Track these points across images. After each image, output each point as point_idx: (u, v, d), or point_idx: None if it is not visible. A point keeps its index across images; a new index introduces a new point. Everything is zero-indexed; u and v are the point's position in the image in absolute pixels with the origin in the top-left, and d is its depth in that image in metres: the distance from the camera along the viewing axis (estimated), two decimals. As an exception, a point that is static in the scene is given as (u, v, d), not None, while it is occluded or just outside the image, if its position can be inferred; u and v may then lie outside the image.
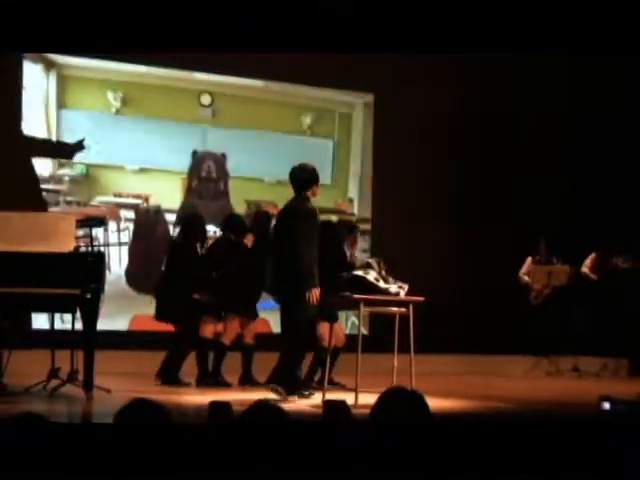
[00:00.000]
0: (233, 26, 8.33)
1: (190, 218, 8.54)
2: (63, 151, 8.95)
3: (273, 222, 7.91)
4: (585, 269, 10.50)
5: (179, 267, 8.05)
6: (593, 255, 10.53)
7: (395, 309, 7.03)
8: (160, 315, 8.10)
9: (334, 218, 10.33)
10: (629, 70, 10.87)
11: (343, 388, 7.54)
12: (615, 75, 11.04)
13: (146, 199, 10.15)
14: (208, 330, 8.00)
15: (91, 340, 6.76)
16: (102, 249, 8.04)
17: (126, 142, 10.08)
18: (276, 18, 8.44)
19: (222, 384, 7.84)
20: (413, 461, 2.93)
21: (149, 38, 8.49)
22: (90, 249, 7.37)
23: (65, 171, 9.79)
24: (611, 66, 10.78)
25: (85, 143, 9.72)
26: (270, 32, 8.59)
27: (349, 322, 9.86)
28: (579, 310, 10.39)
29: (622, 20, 8.61)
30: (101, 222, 8.12)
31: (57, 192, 9.71)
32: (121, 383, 7.23)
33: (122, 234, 10.00)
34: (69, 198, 9.74)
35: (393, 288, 6.93)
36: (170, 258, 8.23)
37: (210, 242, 8.47)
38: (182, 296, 7.94)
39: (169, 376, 7.90)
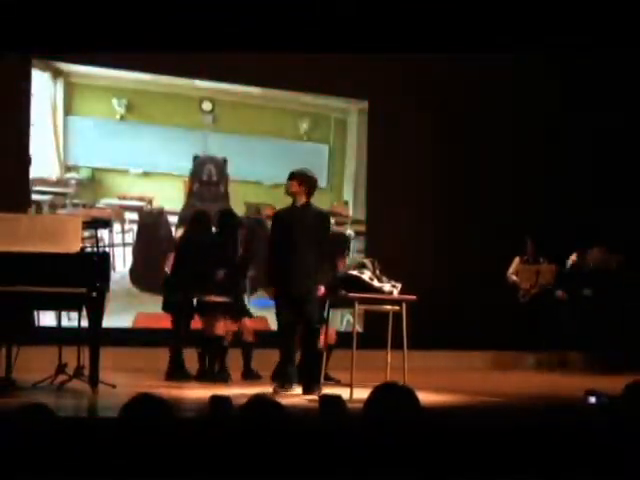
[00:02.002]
0: (232, 27, 8.41)
1: (202, 215, 8.56)
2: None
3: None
4: (571, 262, 10.49)
5: (190, 263, 8.15)
6: (574, 256, 10.52)
7: (389, 307, 7.14)
8: (166, 307, 8.27)
9: (332, 221, 10.47)
10: (615, 69, 10.96)
11: (338, 383, 7.62)
12: (601, 74, 11.11)
13: (149, 201, 10.22)
14: (220, 327, 8.14)
15: (96, 337, 6.83)
16: (107, 249, 8.00)
17: (130, 147, 10.16)
18: (276, 19, 8.52)
19: (220, 379, 7.92)
20: (405, 453, 3.00)
21: (150, 40, 8.59)
22: (96, 249, 7.39)
23: (71, 175, 9.85)
24: (596, 65, 10.87)
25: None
26: (270, 33, 8.68)
27: (344, 320, 9.96)
28: (565, 308, 10.37)
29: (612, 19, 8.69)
30: (106, 223, 8.18)
31: (64, 195, 9.77)
32: (125, 378, 7.31)
33: (126, 235, 10.07)
34: (75, 201, 9.81)
35: (387, 287, 7.06)
36: (182, 254, 8.31)
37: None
38: (187, 292, 8.10)
39: (173, 372, 8.07)
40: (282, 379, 7.19)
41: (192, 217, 8.63)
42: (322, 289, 7.19)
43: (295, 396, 6.84)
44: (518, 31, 8.58)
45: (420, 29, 8.47)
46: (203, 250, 8.15)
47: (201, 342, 8.20)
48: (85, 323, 7.01)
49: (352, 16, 8.32)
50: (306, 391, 7.00)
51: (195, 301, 8.16)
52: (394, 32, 8.55)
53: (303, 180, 7.19)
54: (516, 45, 8.68)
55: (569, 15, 8.38)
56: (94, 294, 6.78)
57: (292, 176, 7.21)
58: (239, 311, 8.29)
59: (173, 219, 10.30)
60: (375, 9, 8.34)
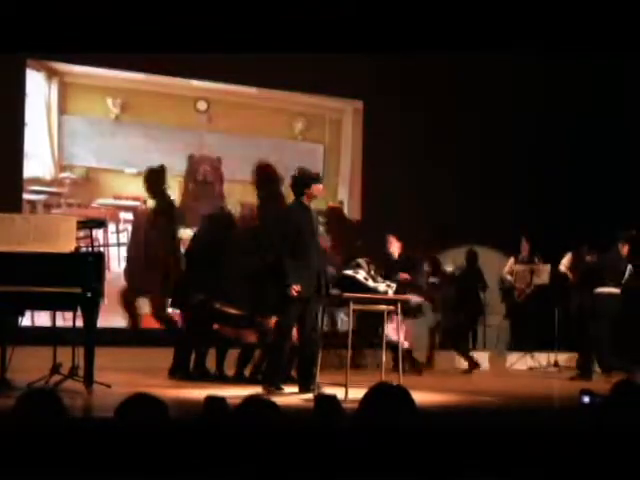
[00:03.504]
0: (227, 27, 8.40)
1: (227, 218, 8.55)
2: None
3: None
4: (563, 268, 10.25)
5: (216, 268, 8.05)
6: (569, 255, 10.31)
7: (384, 307, 7.10)
8: (181, 306, 8.29)
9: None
10: (604, 71, 11.03)
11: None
12: (590, 76, 11.18)
13: (144, 201, 10.21)
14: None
15: (91, 337, 6.81)
16: (102, 249, 8.00)
17: (125, 147, 10.17)
18: (271, 19, 8.51)
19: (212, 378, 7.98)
20: (399, 453, 2.97)
21: (145, 40, 8.58)
22: (90, 249, 7.33)
23: (66, 174, 9.87)
24: (585, 66, 10.93)
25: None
26: (264, 33, 8.68)
27: (339, 319, 9.87)
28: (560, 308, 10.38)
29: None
30: (101, 223, 8.11)
31: (59, 194, 9.80)
32: (120, 378, 7.28)
33: (121, 235, 10.08)
34: (70, 200, 9.82)
35: (381, 287, 7.05)
36: (201, 254, 8.21)
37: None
38: (210, 297, 8.04)
39: (175, 370, 8.09)
40: (276, 379, 7.16)
41: (214, 219, 8.53)
42: None
43: (290, 396, 6.84)
44: (515, 31, 8.59)
45: (417, 29, 8.48)
46: (239, 262, 8.12)
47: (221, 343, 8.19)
48: (80, 323, 6.97)
49: (348, 16, 8.31)
50: (302, 390, 6.99)
51: (214, 308, 8.08)
52: (391, 32, 8.56)
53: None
54: (513, 45, 8.70)
55: (566, 15, 8.40)
56: (89, 294, 6.75)
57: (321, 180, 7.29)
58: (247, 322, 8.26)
59: (168, 219, 10.27)
60: (372, 9, 8.34)
